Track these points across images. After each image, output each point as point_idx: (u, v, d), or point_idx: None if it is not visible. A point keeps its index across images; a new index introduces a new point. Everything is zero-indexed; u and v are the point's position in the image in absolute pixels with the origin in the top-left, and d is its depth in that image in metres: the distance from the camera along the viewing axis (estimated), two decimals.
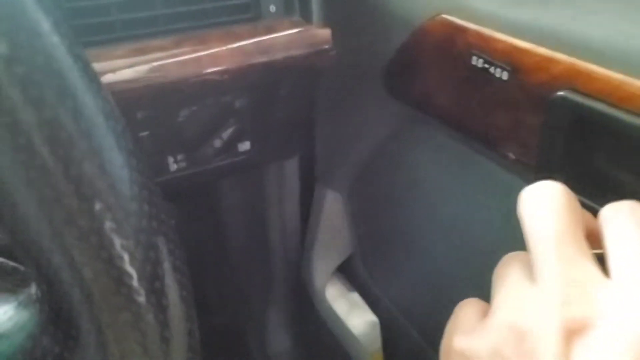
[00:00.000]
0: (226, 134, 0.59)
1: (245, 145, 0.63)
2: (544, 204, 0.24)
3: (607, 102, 0.32)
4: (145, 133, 0.54)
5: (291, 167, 0.71)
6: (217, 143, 0.59)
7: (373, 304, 0.65)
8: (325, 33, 0.52)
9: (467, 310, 0.27)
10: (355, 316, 0.64)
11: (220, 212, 0.94)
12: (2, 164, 0.16)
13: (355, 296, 0.67)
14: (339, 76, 0.55)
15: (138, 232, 0.17)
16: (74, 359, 0.18)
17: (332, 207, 0.65)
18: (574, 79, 0.34)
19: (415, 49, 0.44)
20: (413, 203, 0.54)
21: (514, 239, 0.44)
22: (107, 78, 0.45)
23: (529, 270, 0.24)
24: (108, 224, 0.17)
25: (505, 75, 0.37)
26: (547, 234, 0.23)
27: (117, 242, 0.17)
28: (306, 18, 0.54)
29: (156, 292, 0.18)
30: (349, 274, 0.69)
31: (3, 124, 0.16)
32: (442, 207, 0.51)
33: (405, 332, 0.61)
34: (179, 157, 0.59)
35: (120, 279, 0.17)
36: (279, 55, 0.51)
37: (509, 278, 0.25)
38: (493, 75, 0.38)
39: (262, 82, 0.53)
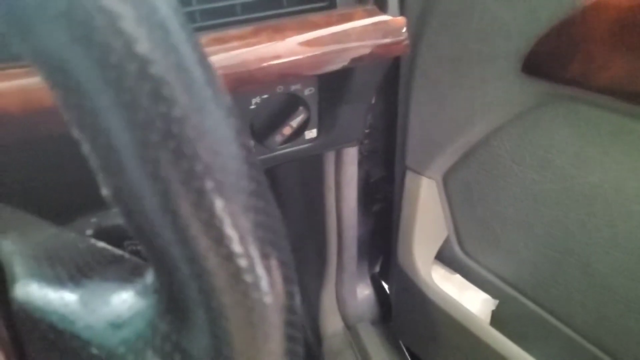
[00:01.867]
0: (295, 122, 0.58)
1: (312, 133, 0.62)
2: None
3: None
4: None
5: (350, 154, 0.70)
6: (287, 131, 0.59)
7: (476, 282, 0.65)
8: (399, 22, 0.51)
9: None
10: (467, 295, 0.64)
11: (279, 195, 0.93)
12: (126, 155, 0.15)
13: (459, 278, 0.67)
14: (447, 63, 0.53)
15: (255, 227, 0.17)
16: (190, 344, 0.18)
17: (427, 194, 0.63)
18: None
19: (584, 24, 0.42)
20: (535, 180, 0.53)
21: None
22: None
23: None
24: (228, 221, 0.16)
25: None
26: None
27: (235, 238, 0.16)
28: (380, 6, 0.52)
29: (270, 282, 0.18)
30: (444, 257, 0.68)
31: (123, 102, 0.15)
32: (582, 179, 0.50)
33: (518, 304, 0.61)
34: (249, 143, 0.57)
35: (236, 274, 0.17)
36: (354, 45, 0.50)
37: None
38: None
39: (335, 71, 0.51)
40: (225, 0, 0.47)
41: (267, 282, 0.17)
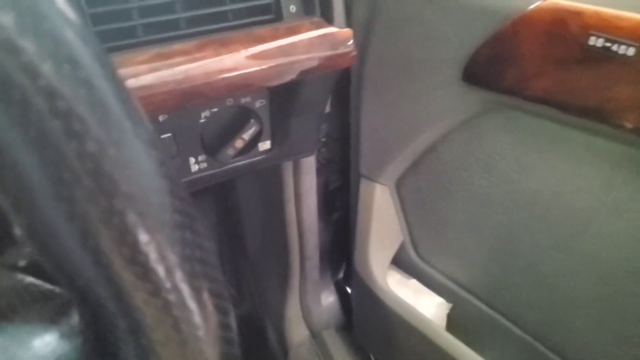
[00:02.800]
0: (247, 134, 0.57)
1: (266, 145, 0.62)
2: None
3: None
4: (167, 135, 0.53)
5: (308, 163, 0.71)
6: (239, 143, 0.59)
7: (431, 286, 0.66)
8: (346, 33, 0.51)
9: None
10: (423, 299, 0.65)
11: (239, 209, 0.92)
12: (38, 186, 0.15)
13: (415, 282, 0.68)
14: (394, 72, 0.54)
15: (183, 260, 0.17)
16: None
17: (381, 200, 0.64)
18: None
19: (515, 36, 0.43)
20: (482, 185, 0.55)
21: (608, 205, 0.46)
22: (130, 83, 0.43)
23: None
24: (152, 256, 0.16)
25: (631, 52, 0.37)
26: None
27: (161, 273, 0.16)
28: (327, 18, 0.53)
29: (203, 314, 0.17)
30: (400, 262, 0.69)
31: (30, 138, 0.14)
32: (523, 184, 0.51)
33: (471, 307, 0.62)
34: (200, 158, 0.57)
35: (165, 309, 0.16)
36: (301, 58, 0.50)
37: None
38: (616, 52, 0.38)
39: (284, 83, 0.51)
40: (167, 14, 0.46)
41: (199, 315, 0.17)
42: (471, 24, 0.47)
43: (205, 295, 0.17)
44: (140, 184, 0.15)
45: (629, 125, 0.42)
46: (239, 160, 0.60)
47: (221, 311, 0.18)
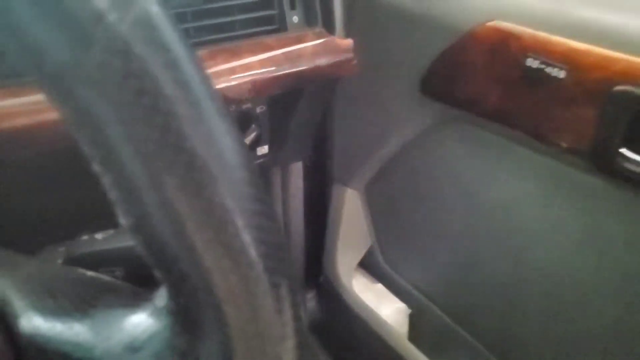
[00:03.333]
0: (248, 139, 0.59)
1: (263, 149, 0.64)
2: None
3: None
4: None
5: (296, 169, 0.73)
6: None
7: (396, 292, 0.68)
8: (347, 43, 0.54)
9: None
10: (385, 305, 0.67)
11: None
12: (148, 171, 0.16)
13: (380, 287, 0.70)
14: (363, 81, 0.57)
15: (267, 246, 0.18)
16: (200, 355, 0.19)
17: (351, 204, 0.67)
18: (632, 75, 0.37)
19: (462, 53, 0.46)
20: (442, 194, 0.57)
21: (551, 219, 0.48)
22: None
23: None
24: (247, 238, 0.17)
25: (562, 74, 0.40)
26: None
27: (252, 250, 0.17)
28: (328, 28, 0.56)
29: (276, 286, 0.19)
30: (368, 266, 0.71)
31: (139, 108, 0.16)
32: (477, 196, 0.54)
33: (432, 315, 0.64)
34: None
35: (248, 281, 0.18)
36: (306, 65, 0.52)
37: None
38: (549, 74, 0.41)
39: (287, 89, 0.54)
40: (179, 23, 0.50)
41: (275, 298, 0.18)
42: (428, 38, 0.49)
43: (281, 279, 0.19)
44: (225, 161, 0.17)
45: (564, 145, 0.44)
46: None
47: (293, 294, 0.19)
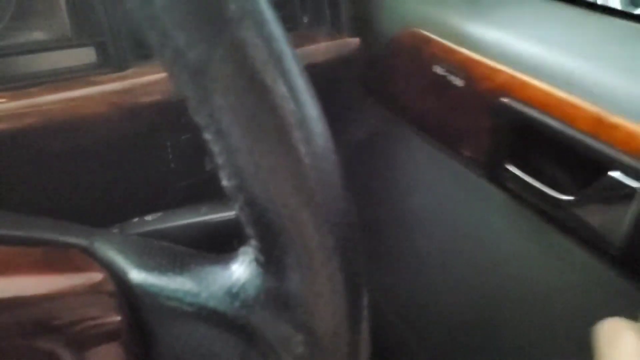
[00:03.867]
0: None
1: None
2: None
3: (538, 109, 0.35)
4: (186, 136, 0.58)
5: None
6: None
7: None
8: (355, 42, 0.55)
9: None
10: None
11: None
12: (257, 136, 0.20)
13: None
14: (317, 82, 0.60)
15: (341, 208, 0.22)
16: (288, 291, 0.22)
17: None
18: (512, 88, 0.38)
19: (388, 57, 0.48)
20: (385, 199, 0.58)
21: (473, 234, 0.47)
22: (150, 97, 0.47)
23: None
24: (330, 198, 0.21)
25: (460, 83, 0.41)
26: None
27: (326, 214, 0.21)
28: (336, 28, 0.57)
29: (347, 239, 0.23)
30: None
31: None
32: (413, 201, 0.55)
33: (389, 325, 0.64)
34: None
35: (327, 239, 0.21)
36: (320, 63, 0.54)
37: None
38: (451, 82, 0.42)
39: None
40: None
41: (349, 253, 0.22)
42: (368, 41, 0.52)
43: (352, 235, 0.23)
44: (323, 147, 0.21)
45: (466, 153, 0.45)
46: None
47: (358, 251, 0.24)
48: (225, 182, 0.21)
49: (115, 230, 0.49)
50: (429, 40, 0.45)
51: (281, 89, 0.20)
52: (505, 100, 0.39)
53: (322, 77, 0.56)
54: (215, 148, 0.21)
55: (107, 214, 0.42)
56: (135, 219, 0.46)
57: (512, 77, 0.38)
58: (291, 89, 0.20)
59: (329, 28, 0.58)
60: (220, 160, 0.21)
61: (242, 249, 0.23)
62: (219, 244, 0.26)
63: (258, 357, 0.24)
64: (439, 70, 0.44)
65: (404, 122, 0.52)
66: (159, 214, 0.45)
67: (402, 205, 0.57)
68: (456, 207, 0.50)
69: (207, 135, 0.20)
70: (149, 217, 0.46)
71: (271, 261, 0.22)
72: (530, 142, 0.39)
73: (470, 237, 0.49)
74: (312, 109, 0.22)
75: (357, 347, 0.25)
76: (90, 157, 0.47)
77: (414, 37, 0.46)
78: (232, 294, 0.23)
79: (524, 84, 0.38)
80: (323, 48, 0.55)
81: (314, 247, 0.22)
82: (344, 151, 0.63)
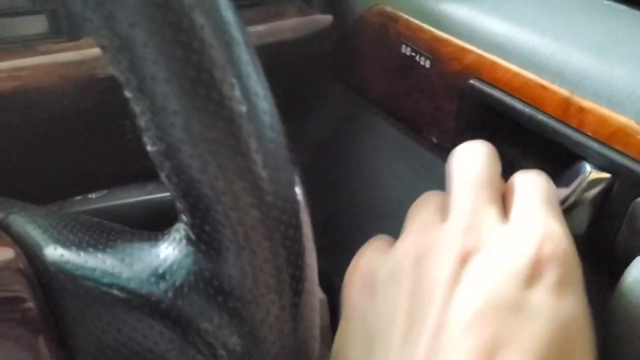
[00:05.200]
0: None
1: None
2: (470, 157, 0.28)
3: (506, 91, 0.33)
4: None
5: None
6: None
7: (321, 281, 0.67)
8: (327, 19, 0.53)
9: (378, 240, 0.30)
10: None
11: None
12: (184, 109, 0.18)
13: None
14: (289, 64, 0.57)
15: (286, 185, 0.20)
16: (227, 280, 0.20)
17: None
18: (481, 69, 0.35)
19: (355, 36, 0.46)
20: (355, 186, 0.56)
21: None
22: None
23: (442, 208, 0.27)
24: (262, 174, 0.19)
25: (427, 64, 0.39)
26: (468, 179, 0.27)
27: (266, 186, 0.19)
28: (307, 3, 0.54)
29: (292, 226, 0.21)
30: None
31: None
32: (382, 192, 0.52)
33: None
34: None
35: (268, 214, 0.19)
36: (287, 40, 0.52)
37: (421, 213, 0.28)
38: (418, 63, 0.40)
39: (269, 64, 0.55)
40: None
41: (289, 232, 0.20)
42: (335, 20, 0.49)
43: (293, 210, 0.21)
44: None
45: (434, 139, 0.43)
46: None
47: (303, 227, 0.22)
48: (149, 147, 0.19)
49: (55, 208, 0.46)
50: (396, 18, 0.42)
51: (220, 42, 0.18)
52: (473, 81, 0.37)
53: (289, 56, 0.54)
54: (137, 107, 0.18)
55: (57, 192, 0.40)
56: (79, 197, 0.43)
57: (481, 57, 0.36)
58: (231, 46, 0.18)
59: (300, 3, 0.54)
60: (142, 121, 0.19)
61: (175, 226, 0.21)
62: (165, 224, 0.23)
63: (197, 356, 0.22)
64: (406, 50, 0.42)
65: (372, 107, 0.49)
66: (104, 191, 0.42)
67: (371, 195, 0.55)
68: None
69: (128, 93, 0.18)
70: (92, 195, 0.43)
71: (202, 239, 0.20)
72: (499, 127, 0.37)
73: None
74: (258, 72, 0.19)
75: (303, 344, 0.23)
76: (41, 132, 0.45)
77: (382, 15, 0.44)
78: (158, 274, 0.21)
79: (492, 65, 0.36)
80: (292, 24, 0.52)
81: (253, 223, 0.19)
82: (311, 136, 0.61)
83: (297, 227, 0.21)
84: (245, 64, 0.19)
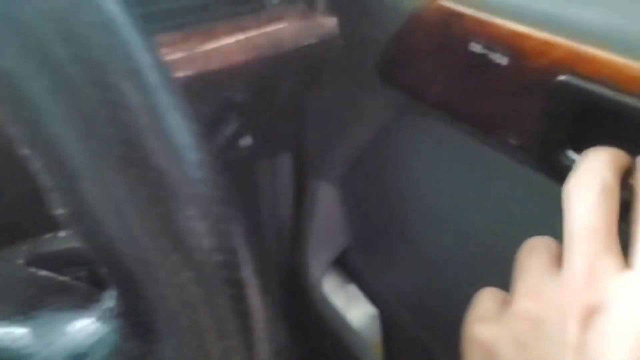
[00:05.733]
0: (228, 129, 0.57)
1: (246, 140, 0.60)
2: (585, 194, 0.25)
3: (609, 86, 0.31)
4: None
5: (284, 162, 0.69)
6: (219, 139, 0.57)
7: (372, 295, 0.64)
8: (331, 22, 0.50)
9: (487, 298, 0.29)
10: (354, 309, 0.64)
11: None
12: (79, 157, 0.15)
13: (353, 289, 0.66)
14: (332, 65, 0.54)
15: (222, 237, 0.17)
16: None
17: (326, 198, 0.64)
18: (574, 63, 0.32)
19: (409, 36, 0.43)
20: (408, 193, 0.53)
21: (513, 226, 0.43)
22: None
23: (554, 259, 0.25)
24: (198, 228, 0.16)
25: (504, 61, 0.36)
26: (582, 226, 0.24)
27: (205, 244, 0.16)
28: (310, 6, 0.52)
29: (240, 297, 0.18)
30: (345, 266, 0.68)
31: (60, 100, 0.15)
32: (439, 196, 0.50)
33: (405, 323, 0.60)
34: None
35: (207, 285, 0.17)
36: (288, 46, 0.49)
37: (532, 267, 0.26)
38: (492, 61, 0.37)
39: (268, 74, 0.51)
40: (150, 5, 0.47)
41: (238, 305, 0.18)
42: (383, 20, 0.46)
43: (241, 275, 0.18)
44: (183, 160, 0.16)
45: (512, 141, 0.40)
46: (221, 157, 0.62)
47: (263, 292, 0.19)
48: (56, 211, 0.17)
49: (23, 248, 0.45)
50: (461, 15, 0.39)
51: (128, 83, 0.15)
52: (564, 77, 0.34)
53: (296, 65, 0.51)
54: (36, 164, 0.16)
55: (21, 226, 0.39)
56: (48, 235, 0.42)
57: (572, 50, 0.33)
58: (144, 93, 0.16)
59: (302, 6, 0.52)
60: (44, 181, 0.16)
61: (109, 292, 0.19)
62: None
63: None
64: (476, 48, 0.38)
65: (427, 110, 0.46)
66: None
67: (424, 203, 0.52)
68: (495, 202, 0.45)
69: (25, 150, 0.16)
70: (62, 233, 0.41)
71: (128, 313, 0.17)
72: (597, 124, 0.34)
73: (516, 239, 0.44)
74: (170, 116, 0.16)
75: None
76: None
77: (441, 12, 0.40)
78: (76, 355, 0.18)
79: (587, 58, 0.32)
80: (292, 30, 0.49)
81: (187, 297, 0.16)
82: (364, 142, 0.56)
83: (242, 298, 0.18)
84: (164, 111, 0.16)
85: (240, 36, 0.48)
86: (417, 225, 0.55)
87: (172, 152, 0.16)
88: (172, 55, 0.45)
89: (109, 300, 0.19)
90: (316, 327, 0.67)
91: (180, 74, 0.45)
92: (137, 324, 0.17)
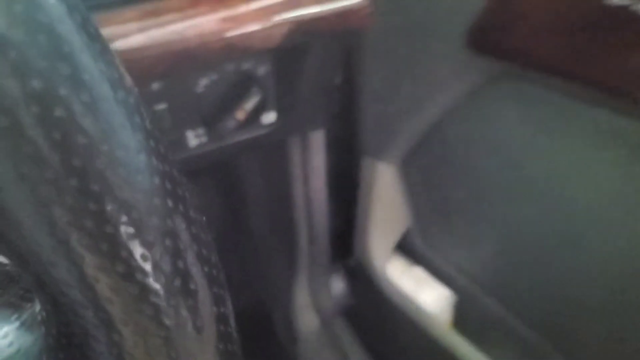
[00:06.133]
0: (249, 104, 0.52)
1: (270, 117, 0.57)
2: None
3: None
4: (161, 106, 0.49)
5: (317, 140, 0.66)
6: (240, 114, 0.53)
7: (442, 277, 0.61)
8: None
9: None
10: (425, 292, 0.61)
11: (242, 189, 0.89)
12: None
13: (419, 271, 0.63)
14: (398, 36, 0.49)
15: (163, 236, 0.14)
16: None
17: (385, 180, 0.60)
18: None
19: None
20: (492, 166, 0.50)
21: (625, 198, 0.41)
22: (117, 45, 0.40)
23: None
24: (124, 228, 0.13)
25: None
26: None
27: (137, 250, 0.14)
28: None
29: (189, 308, 0.15)
30: (406, 249, 0.65)
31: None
32: (532, 166, 0.47)
33: (482, 302, 0.57)
34: (199, 131, 0.53)
35: (143, 297, 0.14)
36: (308, 13, 0.45)
37: None
38: (635, 12, 0.33)
39: (289, 45, 0.46)
40: None
41: (187, 307, 0.15)
42: None
43: (196, 284, 0.16)
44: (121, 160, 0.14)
45: None
46: (243, 134, 0.55)
47: (217, 302, 0.16)
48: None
49: None
50: None
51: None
52: None
53: (322, 37, 0.45)
54: None
55: None
56: None
57: None
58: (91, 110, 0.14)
59: None
60: None
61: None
62: None
63: None
64: (613, 0, 0.34)
65: (523, 75, 0.42)
66: None
67: (513, 171, 0.48)
68: (608, 176, 0.42)
69: None
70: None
71: (61, 332, 0.15)
72: None
73: (619, 220, 0.42)
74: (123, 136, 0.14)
75: None
76: None
77: None
78: None
79: None
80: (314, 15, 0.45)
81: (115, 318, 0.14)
82: (435, 118, 0.52)
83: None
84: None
85: (255, 1, 0.43)
86: (499, 199, 0.52)
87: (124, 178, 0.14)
88: (180, 22, 0.41)
89: (37, 302, 0.17)
90: (387, 313, 0.63)
91: (189, 43, 0.41)
92: (61, 336, 0.16)
